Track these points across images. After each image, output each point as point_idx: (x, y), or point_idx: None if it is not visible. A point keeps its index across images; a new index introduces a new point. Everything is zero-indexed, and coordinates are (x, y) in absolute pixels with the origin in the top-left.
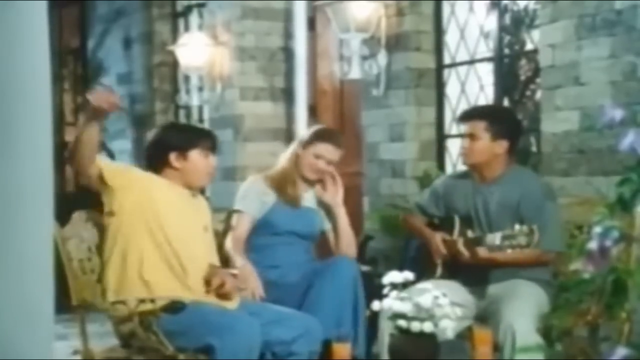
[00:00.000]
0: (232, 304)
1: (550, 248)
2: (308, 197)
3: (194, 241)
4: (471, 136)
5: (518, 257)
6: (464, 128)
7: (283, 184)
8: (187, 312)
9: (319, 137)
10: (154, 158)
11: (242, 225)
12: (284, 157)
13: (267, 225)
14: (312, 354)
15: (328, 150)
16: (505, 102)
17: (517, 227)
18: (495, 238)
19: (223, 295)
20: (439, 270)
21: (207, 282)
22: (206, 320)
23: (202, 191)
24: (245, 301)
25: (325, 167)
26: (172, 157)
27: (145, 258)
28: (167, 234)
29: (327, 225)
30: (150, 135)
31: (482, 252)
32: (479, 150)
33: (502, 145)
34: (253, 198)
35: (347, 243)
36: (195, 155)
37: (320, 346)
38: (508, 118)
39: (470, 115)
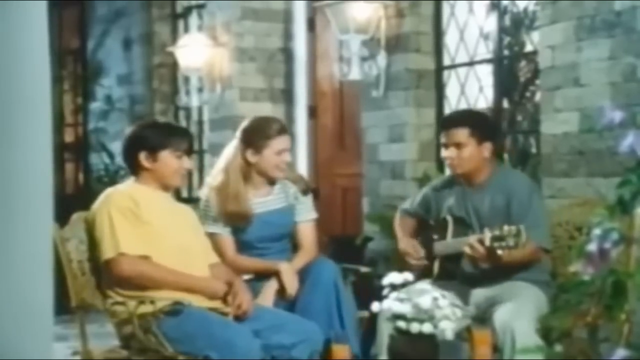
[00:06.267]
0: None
1: (540, 244)
2: (271, 198)
3: (190, 245)
4: (457, 145)
5: (516, 256)
6: (445, 138)
7: (225, 205)
8: (189, 320)
9: (277, 131)
10: (127, 157)
11: (228, 247)
12: (222, 171)
13: (241, 244)
14: None
15: (286, 142)
16: (505, 104)
17: (505, 228)
18: (485, 239)
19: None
20: (436, 271)
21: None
22: (207, 332)
23: None
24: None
25: (288, 159)
26: (142, 156)
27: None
28: (165, 243)
29: (299, 217)
30: (126, 133)
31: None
32: (468, 158)
33: (488, 148)
34: (220, 219)
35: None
36: (165, 155)
37: (319, 352)
38: (487, 120)
39: (451, 123)
